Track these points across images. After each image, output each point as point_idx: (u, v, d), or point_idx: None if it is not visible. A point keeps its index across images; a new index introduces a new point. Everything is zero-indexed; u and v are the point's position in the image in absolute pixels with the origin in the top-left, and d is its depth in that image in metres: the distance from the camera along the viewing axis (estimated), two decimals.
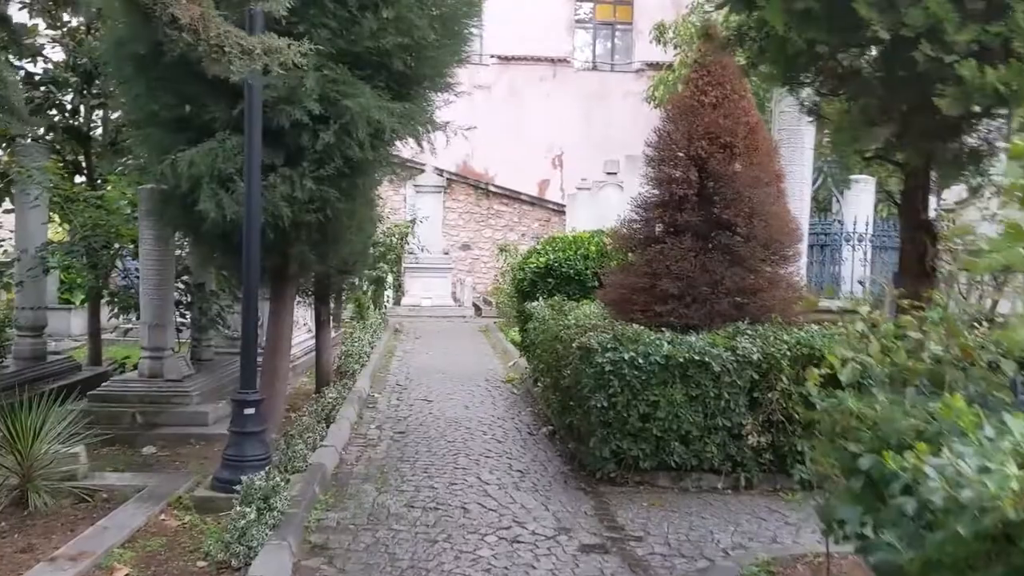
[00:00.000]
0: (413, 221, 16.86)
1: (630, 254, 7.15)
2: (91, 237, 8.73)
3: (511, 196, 23.44)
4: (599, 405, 5.77)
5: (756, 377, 5.86)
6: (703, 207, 6.62)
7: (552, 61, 25.69)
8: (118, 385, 7.86)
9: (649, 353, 5.75)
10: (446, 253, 20.39)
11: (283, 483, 5.10)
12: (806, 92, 5.15)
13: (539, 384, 8.81)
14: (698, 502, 5.68)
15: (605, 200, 15.32)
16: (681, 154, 6.63)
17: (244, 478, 4.97)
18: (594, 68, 26.67)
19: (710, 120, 6.62)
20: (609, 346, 5.80)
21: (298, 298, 9.11)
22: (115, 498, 5.62)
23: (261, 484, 4.89)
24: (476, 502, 5.52)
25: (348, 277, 9.14)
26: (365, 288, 15.55)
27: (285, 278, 6.76)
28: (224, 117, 5.93)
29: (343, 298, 14.54)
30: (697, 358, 5.77)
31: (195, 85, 6.02)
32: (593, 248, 9.48)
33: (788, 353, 5.86)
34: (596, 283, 9.41)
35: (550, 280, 9.48)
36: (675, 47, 23.49)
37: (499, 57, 25.34)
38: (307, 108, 5.83)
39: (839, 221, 12.21)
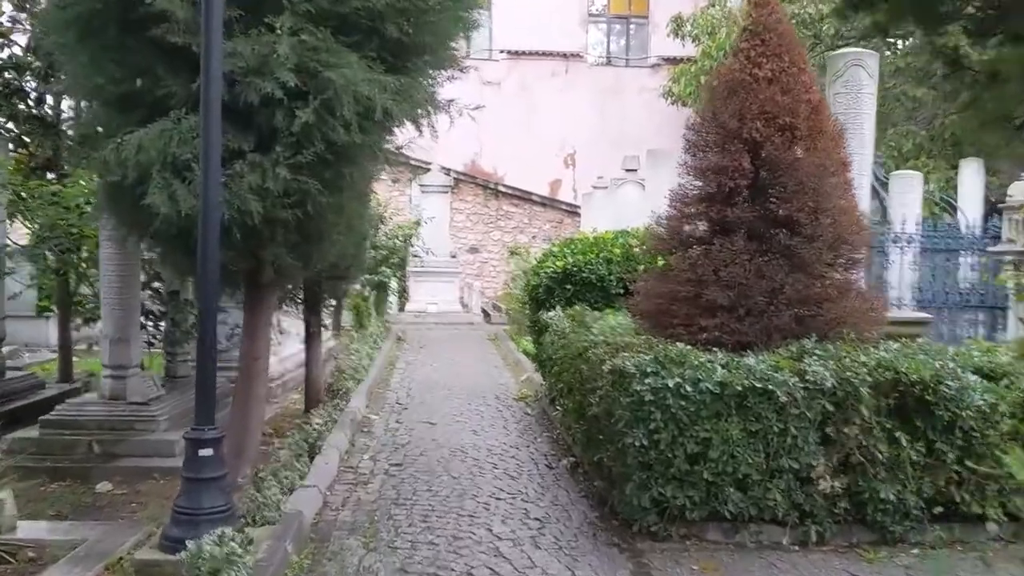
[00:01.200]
0: (418, 223, 15.82)
1: (668, 257, 6.08)
2: (50, 239, 7.72)
3: (521, 196, 22.39)
4: (637, 443, 4.70)
5: (829, 408, 4.78)
6: (757, 201, 5.54)
7: (565, 56, 24.65)
8: (73, 409, 6.82)
9: (699, 379, 4.68)
10: (453, 256, 19.34)
11: (244, 546, 4.04)
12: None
13: (557, 406, 7.74)
14: (760, 562, 4.60)
15: (624, 199, 14.25)
16: (731, 138, 5.55)
17: (191, 544, 3.91)
18: (608, 63, 25.62)
19: (766, 97, 5.54)
20: (649, 370, 4.73)
21: (287, 307, 8.08)
22: (44, 557, 4.59)
23: (212, 551, 3.84)
24: (486, 565, 4.45)
25: (342, 283, 8.09)
26: (366, 294, 14.53)
27: (260, 285, 5.71)
28: (183, 93, 4.88)
29: (342, 306, 13.53)
30: (758, 385, 4.70)
31: (148, 54, 5.01)
32: (617, 251, 8.42)
33: (868, 379, 4.78)
34: (622, 290, 8.34)
35: (568, 287, 8.41)
36: (693, 40, 22.50)
37: (509, 52, 24.33)
38: (280, 80, 4.78)
39: (886, 220, 11.10)
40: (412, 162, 21.75)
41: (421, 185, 19.41)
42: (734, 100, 5.64)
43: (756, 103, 5.54)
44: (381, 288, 14.66)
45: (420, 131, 6.14)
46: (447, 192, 19.75)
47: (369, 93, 4.97)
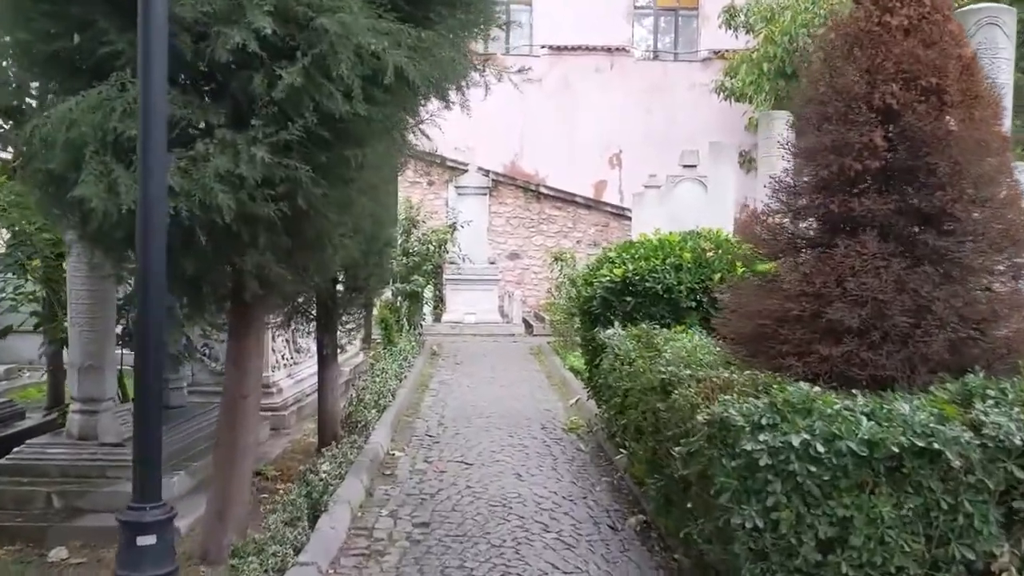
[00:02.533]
0: (453, 226, 14.57)
1: (769, 264, 4.73)
2: (19, 246, 6.60)
3: (565, 199, 21.05)
4: (749, 524, 3.37)
5: (1017, 474, 3.40)
6: (893, 188, 4.18)
7: (609, 51, 23.27)
8: (33, 452, 5.66)
9: (835, 435, 3.33)
10: (492, 263, 18.07)
11: None
12: None
13: (621, 445, 6.41)
14: None
15: (681, 198, 12.88)
16: (855, 106, 4.18)
17: None
18: (655, 58, 24.17)
19: (903, 51, 4.17)
20: (764, 422, 3.40)
21: (297, 323, 6.87)
22: None
23: None
24: None
25: (360, 297, 6.85)
26: (398, 304, 13.32)
27: (244, 303, 4.48)
28: (131, 52, 3.67)
29: (371, 319, 12.33)
30: (919, 444, 3.33)
31: (88, 2, 3.83)
32: (687, 255, 7.07)
33: None
34: (694, 304, 6.99)
35: (628, 298, 7.09)
36: (748, 30, 21.00)
37: (551, 47, 23.02)
38: (255, 28, 3.56)
39: None
40: (448, 163, 20.66)
41: (457, 187, 18.19)
42: (859, 57, 4.27)
43: (890, 59, 4.17)
44: (414, 298, 13.45)
45: (448, 103, 4.89)
46: (485, 194, 18.50)
47: (376, 48, 3.72)
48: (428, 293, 15.75)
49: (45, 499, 5.35)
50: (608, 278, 7.26)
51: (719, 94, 22.10)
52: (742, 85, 19.16)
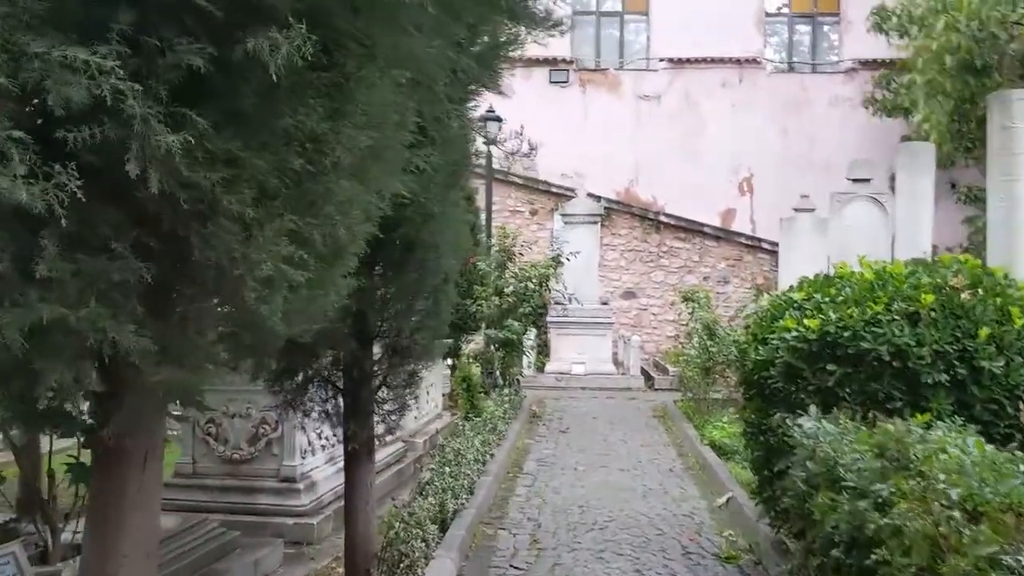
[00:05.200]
0: (557, 259, 12.09)
1: None
2: None
3: (689, 228, 18.29)
4: None
5: None
6: None
7: (738, 63, 20.53)
8: None
9: None
10: (604, 303, 15.50)
11: None
12: None
13: None
14: None
15: (851, 222, 10.01)
16: None
17: None
18: (791, 69, 21.27)
19: None
20: None
21: (313, 401, 4.52)
22: None
23: None
24: None
25: (404, 362, 4.41)
26: (490, 353, 10.90)
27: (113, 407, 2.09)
28: None
29: (455, 369, 9.94)
30: None
31: None
32: (928, 298, 4.36)
33: None
34: (944, 377, 4.25)
35: (830, 367, 4.43)
36: (901, 35, 17.92)
37: (670, 60, 20.47)
38: None
39: None
40: (553, 189, 18.28)
41: (564, 215, 15.74)
42: None
43: None
44: (508, 347, 11.00)
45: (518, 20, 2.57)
46: (596, 223, 15.96)
47: None
48: (531, 339, 13.30)
49: None
50: (795, 334, 4.58)
51: (868, 108, 19.06)
52: (908, 90, 16.09)
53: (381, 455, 6.76)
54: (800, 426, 4.16)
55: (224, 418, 5.82)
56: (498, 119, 13.06)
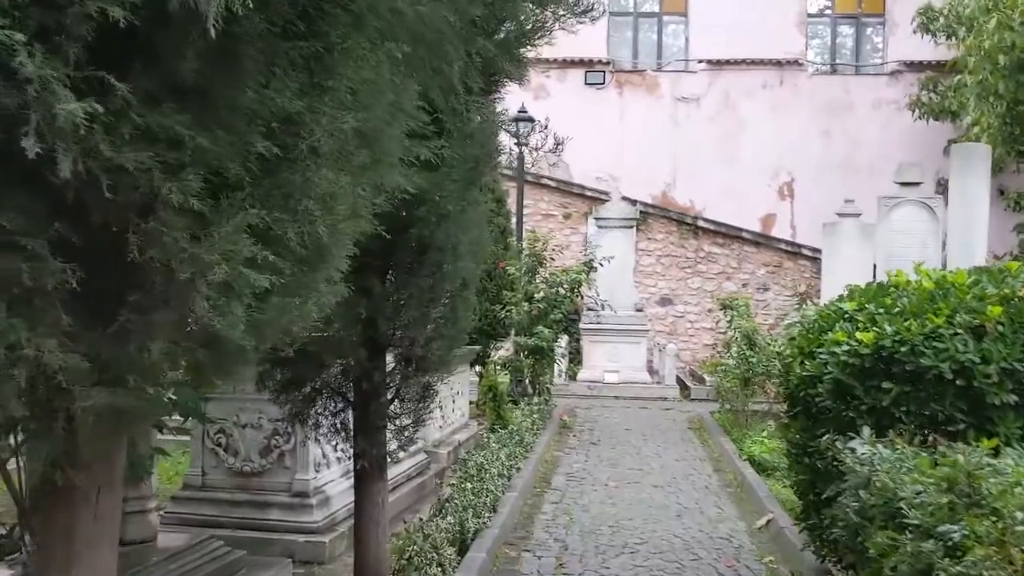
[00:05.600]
0: (589, 264, 11.71)
1: None
2: None
3: (728, 234, 17.77)
4: None
5: None
6: None
7: (778, 64, 19.95)
8: None
9: None
10: (640, 310, 15.07)
11: None
12: None
13: None
14: None
15: (899, 226, 9.51)
16: None
17: None
18: (833, 71, 20.66)
19: None
20: None
21: (322, 412, 4.22)
22: None
23: None
24: None
25: (418, 375, 4.08)
26: (520, 361, 10.56)
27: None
28: None
29: (485, 375, 9.61)
30: None
31: None
32: (996, 310, 3.94)
33: None
34: (1016, 399, 3.84)
35: (886, 384, 4.02)
36: (948, 36, 17.28)
37: (709, 62, 19.94)
38: None
39: None
40: (587, 192, 17.90)
41: (598, 219, 15.35)
42: None
43: None
44: (538, 354, 10.64)
45: None
46: (632, 227, 15.55)
47: None
48: (562, 346, 12.92)
49: None
50: (846, 348, 4.18)
51: (913, 111, 18.40)
52: (956, 93, 15.49)
53: (400, 468, 6.46)
54: (852, 450, 3.77)
55: (235, 428, 5.55)
56: (531, 119, 12.70)
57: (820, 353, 4.38)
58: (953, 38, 16.73)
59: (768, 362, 9.61)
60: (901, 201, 9.70)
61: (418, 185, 3.20)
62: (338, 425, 4.11)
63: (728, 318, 10.65)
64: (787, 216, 19.25)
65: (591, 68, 19.80)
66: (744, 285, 17.23)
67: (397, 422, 4.13)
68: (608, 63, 19.92)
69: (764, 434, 8.82)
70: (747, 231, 17.90)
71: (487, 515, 5.71)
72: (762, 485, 7.22)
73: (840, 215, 11.52)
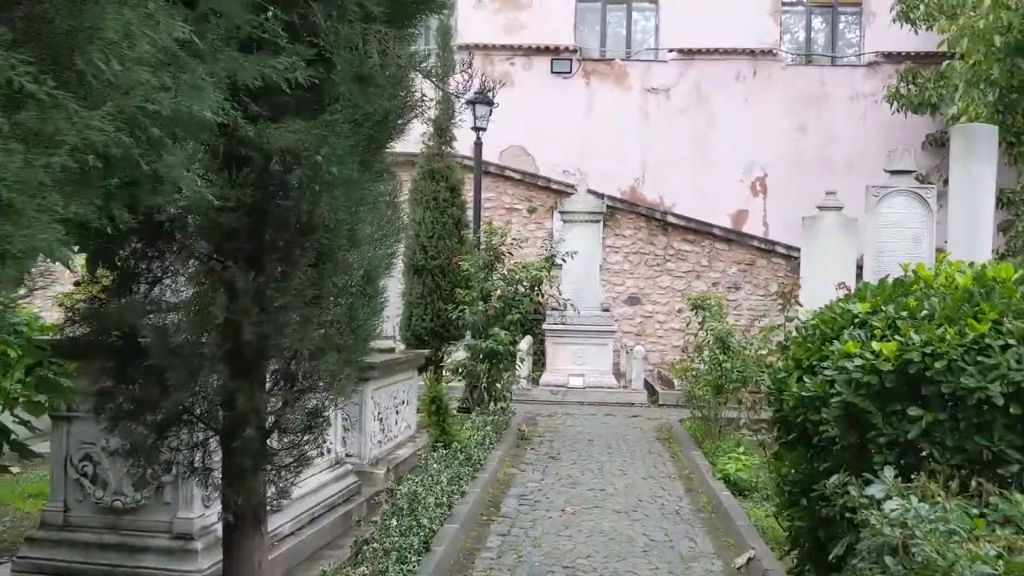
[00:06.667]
0: (551, 260, 10.75)
1: None
2: None
3: (699, 230, 16.93)
4: None
5: None
6: None
7: (752, 54, 19.14)
8: None
9: None
10: (606, 310, 14.15)
11: None
12: None
13: None
14: None
15: (889, 219, 8.66)
16: None
17: None
18: (808, 62, 19.91)
19: None
20: None
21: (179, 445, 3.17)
22: None
23: None
24: None
25: (305, 396, 3.09)
26: (476, 366, 9.58)
27: None
28: None
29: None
30: None
31: None
32: None
33: None
34: None
35: (912, 411, 3.11)
36: (929, 26, 16.58)
37: (680, 51, 19.06)
38: None
39: None
40: (553, 185, 16.96)
41: (563, 212, 14.39)
42: None
43: None
44: (495, 359, 9.66)
45: None
46: (598, 222, 14.61)
47: None
48: (523, 346, 11.95)
49: None
50: (860, 363, 3.25)
51: (892, 103, 17.68)
52: (939, 82, 14.78)
53: (320, 497, 5.45)
54: (876, 502, 2.84)
55: (103, 455, 4.51)
56: (489, 102, 11.64)
57: (824, 368, 3.44)
58: (935, 26, 16.03)
59: (744, 368, 8.73)
60: (891, 191, 8.85)
61: (280, 135, 2.22)
62: (195, 463, 3.10)
63: (700, 319, 9.74)
64: (759, 213, 18.45)
65: (557, 56, 18.86)
66: (715, 284, 16.40)
67: (275, 460, 3.12)
68: (575, 51, 18.98)
69: (740, 449, 7.92)
70: (718, 228, 17.08)
71: (415, 560, 4.70)
72: (740, 513, 6.30)
73: (821, 208, 10.67)
